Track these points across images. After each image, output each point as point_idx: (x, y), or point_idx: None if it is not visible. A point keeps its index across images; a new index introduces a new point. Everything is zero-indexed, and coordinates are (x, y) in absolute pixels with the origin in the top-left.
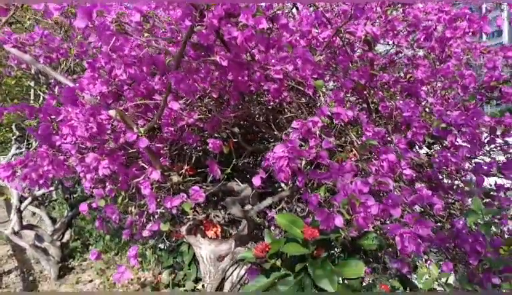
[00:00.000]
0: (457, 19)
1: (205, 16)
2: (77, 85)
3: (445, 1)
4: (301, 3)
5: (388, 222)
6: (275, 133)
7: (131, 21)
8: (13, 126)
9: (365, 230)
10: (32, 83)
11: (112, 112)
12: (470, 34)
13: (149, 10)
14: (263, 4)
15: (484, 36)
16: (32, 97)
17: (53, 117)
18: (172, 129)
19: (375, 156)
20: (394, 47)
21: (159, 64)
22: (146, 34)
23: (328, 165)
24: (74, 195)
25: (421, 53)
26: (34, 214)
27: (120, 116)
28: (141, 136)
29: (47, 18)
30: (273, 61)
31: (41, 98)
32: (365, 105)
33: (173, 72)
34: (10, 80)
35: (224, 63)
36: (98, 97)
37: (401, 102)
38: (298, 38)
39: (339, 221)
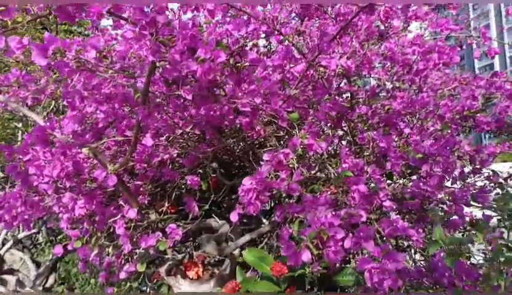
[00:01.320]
0: (431, 52)
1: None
2: (48, 124)
3: (417, 35)
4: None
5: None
6: (254, 165)
7: (88, 57)
8: None
9: (343, 265)
10: (20, 125)
11: (85, 150)
12: (440, 65)
13: (107, 46)
14: (231, 30)
15: (476, 60)
16: (19, 138)
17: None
18: (146, 165)
19: (346, 183)
20: (375, 79)
21: (130, 101)
22: (110, 71)
23: (302, 198)
24: (59, 237)
25: (400, 85)
26: (21, 259)
27: (92, 153)
28: (111, 173)
29: (8, 56)
30: (240, 94)
31: None
32: (349, 138)
33: (139, 107)
34: None
35: (189, 97)
36: (71, 135)
37: (375, 133)
38: (271, 72)
39: (306, 256)
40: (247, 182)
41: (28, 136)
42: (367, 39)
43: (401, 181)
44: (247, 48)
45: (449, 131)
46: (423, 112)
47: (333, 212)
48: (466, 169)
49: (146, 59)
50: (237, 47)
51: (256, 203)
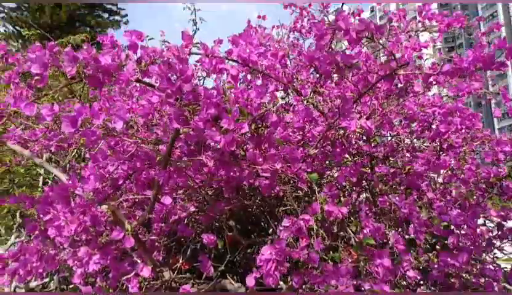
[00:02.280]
0: (452, 113)
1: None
2: (70, 182)
3: (436, 96)
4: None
5: None
6: (274, 223)
7: (115, 127)
8: (17, 214)
9: None
10: (42, 171)
11: (104, 208)
12: (463, 130)
13: (133, 116)
14: (253, 98)
15: (496, 119)
16: (40, 184)
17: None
18: (163, 225)
19: (369, 256)
20: (395, 137)
21: (151, 160)
22: (134, 137)
23: (323, 267)
24: (71, 286)
25: (420, 142)
26: None
27: (112, 212)
28: (129, 234)
29: (40, 123)
30: (260, 159)
31: (49, 185)
32: (368, 195)
33: (161, 171)
34: (19, 169)
35: (210, 163)
36: (92, 193)
37: (397, 198)
38: (291, 133)
39: None
40: (266, 251)
41: (49, 189)
42: (386, 97)
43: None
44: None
45: (474, 198)
46: (446, 174)
47: (356, 287)
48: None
49: (170, 125)
50: (259, 113)
51: (275, 274)
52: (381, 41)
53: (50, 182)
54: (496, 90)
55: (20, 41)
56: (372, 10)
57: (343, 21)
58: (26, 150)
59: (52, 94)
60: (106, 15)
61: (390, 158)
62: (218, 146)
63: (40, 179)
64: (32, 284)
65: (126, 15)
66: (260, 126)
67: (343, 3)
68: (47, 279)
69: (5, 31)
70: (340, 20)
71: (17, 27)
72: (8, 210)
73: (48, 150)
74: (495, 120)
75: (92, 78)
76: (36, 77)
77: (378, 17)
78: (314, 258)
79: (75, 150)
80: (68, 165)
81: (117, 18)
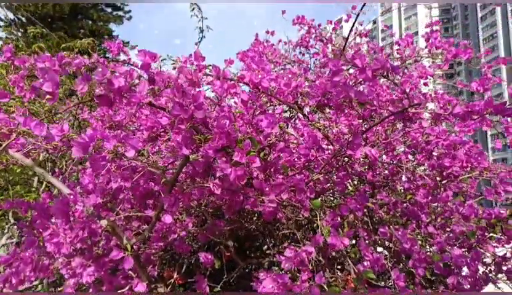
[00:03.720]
0: (455, 146)
1: (202, 146)
2: (71, 196)
3: (442, 130)
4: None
5: None
6: (271, 244)
7: (127, 155)
8: (10, 214)
9: None
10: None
11: (103, 223)
12: (468, 168)
13: (143, 147)
14: (264, 128)
15: (490, 150)
16: (35, 184)
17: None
18: (162, 244)
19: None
20: (394, 164)
21: (155, 181)
22: (142, 162)
23: None
24: (59, 289)
25: (420, 170)
26: None
27: (111, 228)
28: (128, 254)
29: (48, 142)
30: (267, 188)
31: (43, 185)
32: (366, 219)
33: (166, 196)
34: (15, 168)
35: (218, 192)
36: (92, 208)
37: (400, 232)
38: (296, 159)
39: None
40: (267, 284)
41: (46, 195)
42: (391, 125)
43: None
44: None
45: (475, 238)
46: (446, 208)
47: None
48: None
49: (180, 151)
50: (268, 142)
51: None
52: (395, 81)
53: (45, 182)
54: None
55: (21, 30)
56: (374, 22)
57: (359, 60)
58: (28, 159)
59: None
60: (109, 10)
61: (390, 182)
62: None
63: (35, 178)
64: (21, 287)
65: (129, 11)
66: (267, 154)
67: (358, 13)
68: (36, 283)
69: (5, 19)
70: (357, 58)
71: (19, 16)
72: (4, 212)
73: (45, 150)
74: (489, 139)
75: (103, 99)
76: (48, 96)
77: (380, 30)
78: (316, 293)
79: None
80: (64, 167)
81: (120, 13)
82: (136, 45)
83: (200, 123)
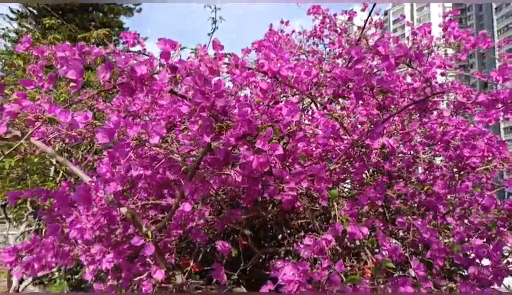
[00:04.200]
0: (474, 136)
1: (223, 133)
2: (93, 183)
3: (461, 120)
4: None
5: None
6: (287, 232)
7: (150, 141)
8: (28, 203)
9: None
10: (54, 161)
11: (123, 210)
12: (489, 157)
13: (168, 134)
14: (285, 116)
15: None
16: (52, 173)
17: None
18: (181, 231)
19: (392, 284)
20: (411, 154)
21: (176, 168)
22: (163, 149)
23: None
24: (76, 276)
25: (438, 160)
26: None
27: (131, 215)
28: (149, 241)
29: (73, 129)
30: (287, 177)
31: (60, 175)
32: (381, 209)
33: (187, 183)
34: (33, 158)
35: (239, 179)
36: (113, 195)
37: (419, 222)
38: (314, 148)
39: None
40: (288, 271)
41: (66, 184)
42: (408, 115)
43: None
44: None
45: (495, 229)
46: (465, 199)
47: None
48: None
49: (201, 139)
50: (288, 131)
51: (297, 294)
52: (418, 69)
53: (61, 172)
54: None
55: (33, 23)
56: (386, 14)
57: (382, 47)
58: (49, 147)
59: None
60: (119, 2)
61: (406, 173)
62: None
63: (52, 168)
64: (40, 273)
65: (140, 3)
66: (286, 143)
67: (374, 3)
68: (54, 269)
69: (18, 11)
70: (380, 45)
71: (30, 9)
72: (23, 200)
73: (61, 140)
74: (502, 132)
75: (124, 86)
76: (72, 84)
77: (392, 21)
78: (336, 280)
79: (88, 142)
80: (80, 157)
81: (130, 5)
82: (147, 37)
83: (219, 112)
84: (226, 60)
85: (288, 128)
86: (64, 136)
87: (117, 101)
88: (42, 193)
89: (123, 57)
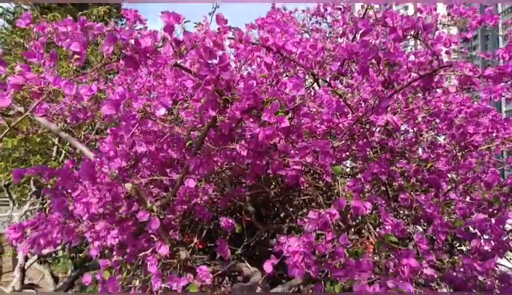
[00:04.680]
0: (479, 114)
1: (228, 107)
2: (97, 159)
3: (466, 97)
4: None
5: None
6: (290, 210)
7: (156, 113)
8: (31, 182)
9: None
10: (56, 141)
11: (128, 186)
12: (493, 134)
13: (174, 105)
14: (287, 90)
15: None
16: (54, 153)
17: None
18: (186, 207)
19: (395, 255)
20: (415, 132)
21: (179, 143)
22: (168, 122)
23: (344, 260)
24: (80, 254)
25: (441, 139)
26: (35, 268)
27: (135, 191)
28: (154, 215)
29: (77, 102)
30: (292, 151)
31: (62, 155)
32: (383, 188)
33: (192, 157)
34: (36, 137)
35: (244, 153)
36: (117, 171)
37: (422, 197)
38: (318, 124)
39: None
40: (293, 243)
41: (69, 161)
42: (413, 92)
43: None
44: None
45: (498, 204)
46: (468, 175)
47: (381, 285)
48: None
49: (206, 113)
50: (293, 105)
51: (301, 265)
52: (425, 41)
53: (64, 152)
54: None
55: (30, 4)
56: None
57: (390, 18)
58: (53, 124)
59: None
60: None
61: (409, 152)
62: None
63: (55, 148)
64: (45, 250)
65: None
66: (290, 118)
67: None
68: (58, 247)
69: None
70: (388, 17)
71: None
72: (26, 179)
73: (63, 120)
74: (503, 104)
75: (129, 60)
76: (76, 56)
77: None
78: (340, 253)
79: (90, 122)
80: (82, 137)
81: None
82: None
83: (224, 87)
84: (230, 34)
85: (293, 102)
86: (67, 112)
87: (118, 80)
88: (46, 171)
89: (127, 28)
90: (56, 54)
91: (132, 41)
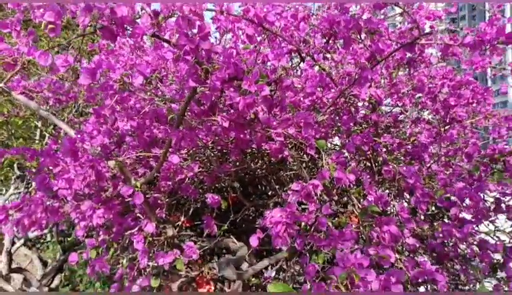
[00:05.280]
0: (461, 86)
1: (209, 78)
2: (79, 135)
3: (449, 69)
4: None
5: None
6: (276, 187)
7: (134, 82)
8: (15, 166)
9: None
10: (39, 124)
11: (111, 163)
12: (474, 103)
13: (153, 72)
14: (269, 63)
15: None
16: (37, 137)
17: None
18: (170, 183)
19: (377, 223)
20: (399, 107)
21: (161, 118)
22: (148, 93)
23: (328, 231)
24: (68, 238)
25: (425, 114)
26: (25, 254)
27: (119, 168)
28: (138, 190)
29: (53, 74)
30: (275, 123)
31: (46, 138)
32: (368, 163)
33: (174, 130)
34: (17, 120)
35: (225, 124)
36: (99, 148)
37: (404, 168)
38: (302, 98)
39: None
40: (276, 214)
41: (52, 141)
42: (396, 66)
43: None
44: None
45: (478, 173)
46: (450, 147)
47: (362, 252)
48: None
49: (186, 84)
50: (275, 76)
51: (284, 235)
52: (405, 8)
53: (47, 135)
54: (503, 65)
55: None
56: None
57: None
58: (32, 102)
59: (47, 44)
60: None
61: (393, 128)
62: (236, 107)
63: (38, 131)
64: (32, 234)
65: None
66: (273, 90)
67: None
68: (46, 231)
69: None
70: None
71: None
72: (8, 162)
73: (45, 103)
74: (493, 98)
75: (105, 30)
76: (50, 26)
77: None
78: (323, 222)
79: (73, 104)
80: (66, 119)
81: None
82: None
83: (204, 58)
84: (210, 6)
85: (275, 74)
86: (47, 91)
87: (98, 58)
88: (29, 152)
89: None
90: (35, 33)
91: (108, 11)
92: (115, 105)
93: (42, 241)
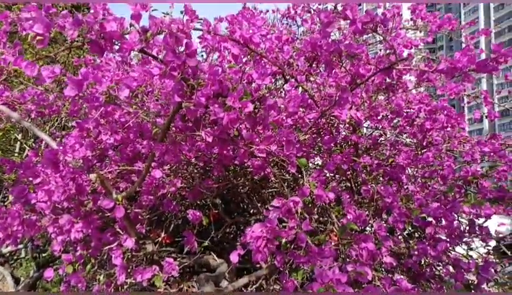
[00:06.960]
0: (436, 111)
1: (194, 94)
2: (61, 147)
3: (424, 95)
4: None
5: None
6: (257, 205)
7: (120, 95)
8: None
9: None
10: (19, 136)
11: (92, 176)
12: (448, 128)
13: (139, 86)
14: (253, 84)
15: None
16: (17, 149)
17: (30, 178)
18: (152, 198)
19: (355, 241)
20: (378, 130)
21: (145, 132)
22: (134, 106)
23: (307, 248)
24: (44, 254)
25: (403, 137)
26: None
27: (100, 181)
28: (119, 204)
29: (39, 84)
30: (257, 139)
31: (26, 151)
32: (348, 184)
33: (158, 144)
34: None
35: (209, 139)
36: (81, 160)
37: (382, 187)
38: (284, 117)
39: None
40: (256, 229)
41: (33, 153)
42: (376, 90)
43: (403, 244)
44: (267, 94)
45: (452, 194)
46: (427, 169)
47: (340, 268)
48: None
49: (172, 99)
50: (258, 94)
51: (264, 251)
52: (383, 35)
53: (27, 148)
54: (477, 94)
55: None
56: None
57: (350, 11)
58: (14, 112)
59: (32, 57)
60: None
61: (373, 150)
62: (220, 123)
63: (18, 144)
64: (5, 250)
65: None
66: (256, 108)
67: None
68: (20, 246)
69: None
70: (348, 10)
71: None
72: None
73: (27, 116)
74: (466, 123)
75: (94, 44)
76: (38, 37)
77: (365, 5)
78: (302, 238)
79: (55, 118)
80: (47, 133)
81: None
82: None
83: (190, 75)
84: (197, 26)
85: (259, 92)
86: (30, 102)
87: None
88: (8, 163)
89: (92, 12)
90: (21, 45)
91: (97, 26)
92: (99, 118)
93: (15, 257)
